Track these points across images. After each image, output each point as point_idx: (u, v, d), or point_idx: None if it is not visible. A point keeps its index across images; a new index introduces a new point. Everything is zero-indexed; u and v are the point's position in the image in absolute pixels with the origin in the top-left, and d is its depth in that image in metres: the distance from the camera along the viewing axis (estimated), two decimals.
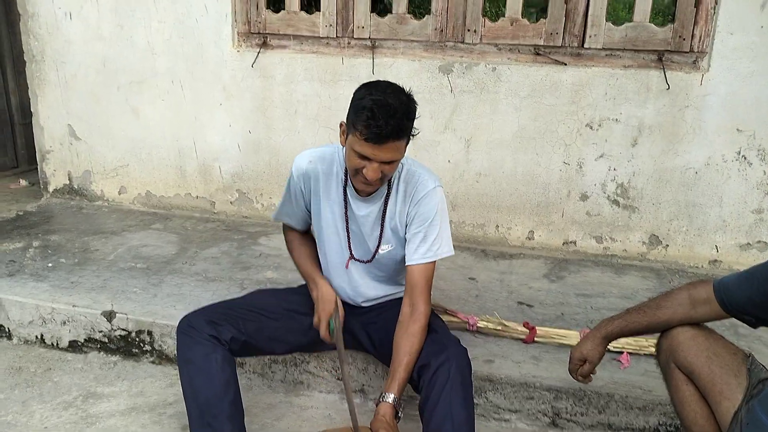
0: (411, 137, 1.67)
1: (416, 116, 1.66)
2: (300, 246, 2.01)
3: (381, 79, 1.71)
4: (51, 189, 3.89)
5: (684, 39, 2.95)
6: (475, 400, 1.99)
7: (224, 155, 3.57)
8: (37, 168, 3.96)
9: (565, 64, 3.07)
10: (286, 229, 2.05)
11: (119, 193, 3.79)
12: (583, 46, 3.05)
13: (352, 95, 1.65)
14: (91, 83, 3.62)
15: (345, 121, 1.67)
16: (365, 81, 3.24)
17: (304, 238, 2.03)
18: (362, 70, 3.25)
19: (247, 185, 3.59)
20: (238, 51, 3.39)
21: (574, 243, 3.28)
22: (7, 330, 2.48)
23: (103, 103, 3.64)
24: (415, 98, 1.68)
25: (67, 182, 3.84)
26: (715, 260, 3.14)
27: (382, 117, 1.54)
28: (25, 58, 3.72)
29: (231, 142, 3.53)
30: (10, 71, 4.80)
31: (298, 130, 3.42)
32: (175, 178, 3.68)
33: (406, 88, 1.67)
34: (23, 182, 4.35)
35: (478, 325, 2.31)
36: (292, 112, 3.41)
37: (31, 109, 3.78)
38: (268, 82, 3.40)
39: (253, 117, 3.47)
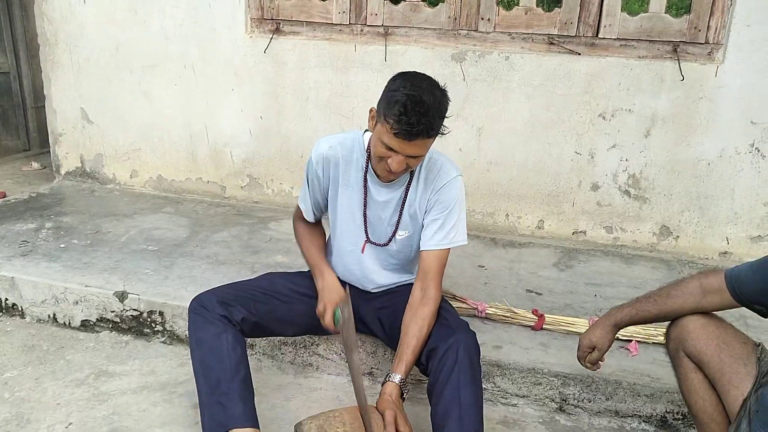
0: (441, 134, 1.65)
1: (448, 114, 1.63)
2: (308, 235, 2.00)
3: (416, 71, 1.67)
4: (63, 172, 3.92)
5: (699, 30, 2.93)
6: (483, 385, 2.00)
7: (235, 140, 3.58)
8: (49, 151, 4.00)
9: (579, 54, 3.06)
10: (297, 217, 2.05)
11: (131, 177, 3.81)
12: (597, 35, 3.04)
13: (378, 83, 1.64)
14: (104, 67, 3.64)
15: (376, 107, 1.66)
16: (377, 68, 3.28)
17: (312, 227, 2.03)
18: (375, 57, 3.25)
19: (257, 170, 3.60)
20: (250, 37, 3.40)
21: (584, 233, 3.27)
22: (20, 309, 2.51)
23: (116, 87, 3.66)
24: None
25: (79, 165, 3.87)
26: (726, 252, 3.13)
27: (414, 114, 1.52)
28: (38, 42, 3.74)
29: (242, 127, 3.54)
30: (23, 55, 4.84)
31: (310, 116, 3.43)
32: (186, 162, 3.69)
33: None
34: (35, 165, 4.39)
35: (487, 311, 2.32)
36: (304, 98, 3.41)
37: (44, 93, 3.81)
38: (280, 68, 3.40)
39: (264, 103, 3.48)
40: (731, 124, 2.96)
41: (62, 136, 3.85)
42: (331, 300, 1.78)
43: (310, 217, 1.99)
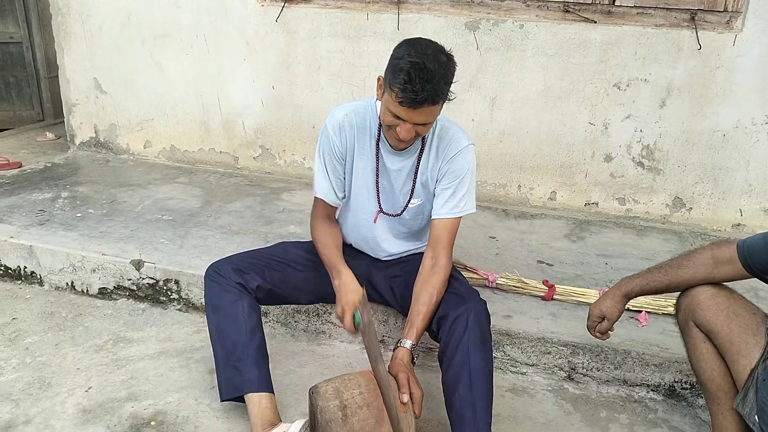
0: (448, 100, 1.64)
1: (455, 79, 1.62)
2: (326, 236, 1.90)
3: (421, 37, 1.65)
4: (77, 142, 3.95)
5: None
6: (493, 353, 2.03)
7: (247, 111, 3.58)
8: (62, 121, 4.03)
9: (595, 22, 3.01)
10: (314, 214, 1.96)
11: (144, 147, 3.84)
12: (614, 3, 2.99)
13: (390, 52, 1.60)
14: (116, 36, 3.64)
15: (383, 75, 1.65)
16: (389, 37, 3.24)
17: (330, 227, 1.94)
18: (387, 25, 3.22)
19: (270, 141, 3.61)
20: (262, 5, 3.37)
21: (596, 204, 3.26)
22: (38, 276, 2.56)
23: (128, 57, 3.66)
24: None
25: (93, 135, 3.90)
26: (739, 224, 3.11)
27: (419, 81, 1.51)
28: (50, 11, 3.73)
29: (254, 97, 3.54)
30: (35, 24, 4.84)
31: (321, 86, 3.42)
32: (199, 132, 3.71)
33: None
34: (50, 135, 4.41)
35: (498, 281, 2.34)
36: (316, 68, 3.40)
37: (57, 63, 3.82)
38: (292, 37, 3.38)
39: (276, 73, 3.47)
40: (748, 94, 2.92)
41: (76, 107, 3.87)
42: (349, 301, 1.71)
43: (332, 198, 1.89)
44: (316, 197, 1.93)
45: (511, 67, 3.15)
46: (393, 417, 1.48)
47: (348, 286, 1.74)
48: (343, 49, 3.32)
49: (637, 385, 2.04)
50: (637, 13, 2.97)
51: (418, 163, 1.82)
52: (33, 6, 4.80)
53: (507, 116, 3.23)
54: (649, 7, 2.96)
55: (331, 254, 1.84)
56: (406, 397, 1.52)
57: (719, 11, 2.89)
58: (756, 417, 1.38)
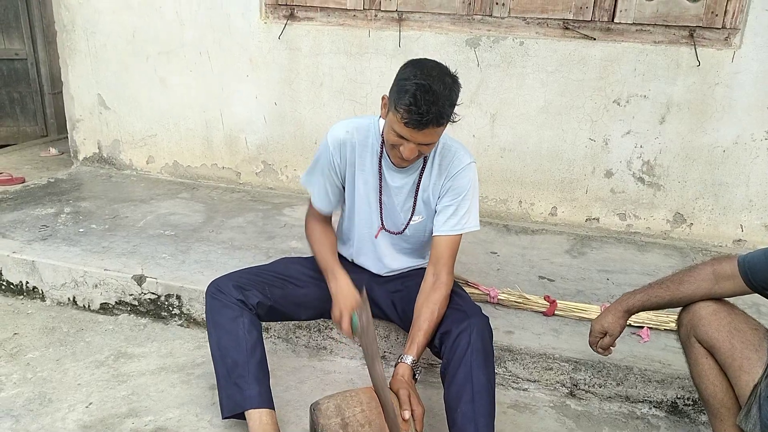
0: (452, 122, 1.66)
1: (459, 101, 1.63)
2: (320, 236, 1.95)
3: (427, 57, 1.66)
4: (81, 157, 3.97)
5: (716, 15, 2.90)
6: (495, 369, 2.03)
7: (250, 127, 3.61)
8: (66, 137, 4.05)
9: (594, 39, 3.04)
10: (309, 215, 2.01)
11: (147, 163, 3.86)
12: (613, 20, 3.01)
13: (392, 68, 1.64)
14: (121, 53, 3.67)
15: (388, 95, 1.66)
16: (391, 54, 3.27)
17: (325, 228, 1.98)
18: (389, 42, 3.25)
19: (272, 157, 3.63)
20: (265, 23, 3.41)
21: (597, 220, 3.27)
22: (40, 291, 2.57)
23: (132, 73, 3.69)
24: None
25: (97, 151, 3.92)
26: (740, 240, 3.12)
27: (424, 103, 1.52)
28: (55, 28, 3.77)
29: (257, 113, 3.57)
30: (40, 41, 4.89)
31: (324, 102, 3.44)
32: (201, 148, 3.73)
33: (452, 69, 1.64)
34: (53, 150, 4.44)
35: (499, 297, 2.34)
36: (318, 84, 3.43)
37: (62, 79, 3.85)
38: (294, 54, 3.41)
39: (278, 89, 3.50)
40: (747, 110, 2.94)
41: (80, 122, 3.89)
42: (346, 305, 1.72)
43: (323, 205, 1.94)
44: (311, 201, 1.97)
45: (511, 84, 3.17)
46: None
47: (344, 289, 1.77)
48: (345, 65, 3.35)
49: (640, 402, 2.03)
50: (636, 30, 3.00)
51: (420, 180, 1.84)
52: (38, 22, 4.86)
53: (508, 132, 3.24)
54: (648, 24, 2.98)
55: (327, 256, 1.88)
56: (407, 414, 1.51)
57: (717, 28, 2.91)
58: None
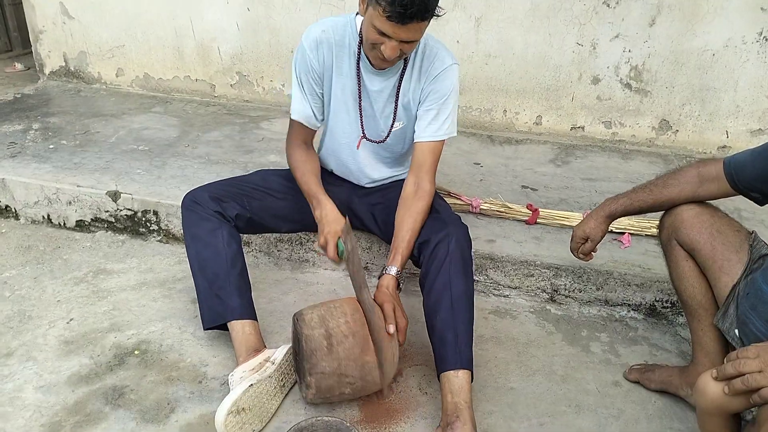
0: (436, 16, 1.54)
1: None
2: (303, 162, 1.84)
3: None
4: (47, 71, 3.79)
5: None
6: (476, 278, 2.04)
7: (222, 35, 3.43)
8: (31, 51, 3.84)
9: None
10: (290, 142, 1.89)
11: (117, 76, 3.69)
12: None
13: None
14: None
15: None
16: None
17: (308, 152, 1.88)
18: None
19: (247, 67, 3.48)
20: None
21: (582, 128, 3.22)
22: (13, 210, 2.50)
23: None
24: None
25: (63, 64, 3.74)
26: (725, 146, 3.09)
27: None
28: None
29: (229, 20, 3.38)
30: None
31: (299, 7, 3.26)
32: (173, 59, 3.56)
33: None
34: (19, 66, 4.23)
35: (481, 207, 2.32)
36: None
37: None
38: None
39: None
40: (740, 11, 2.83)
41: (43, 34, 3.68)
42: (332, 231, 1.67)
43: (311, 120, 1.83)
44: (292, 120, 1.84)
45: None
46: (378, 346, 1.48)
47: (329, 216, 1.71)
48: None
49: (619, 305, 2.06)
50: None
51: (400, 83, 1.75)
52: None
53: (493, 37, 3.11)
54: None
55: (311, 183, 1.79)
56: (392, 328, 1.52)
57: None
58: (736, 330, 1.39)
